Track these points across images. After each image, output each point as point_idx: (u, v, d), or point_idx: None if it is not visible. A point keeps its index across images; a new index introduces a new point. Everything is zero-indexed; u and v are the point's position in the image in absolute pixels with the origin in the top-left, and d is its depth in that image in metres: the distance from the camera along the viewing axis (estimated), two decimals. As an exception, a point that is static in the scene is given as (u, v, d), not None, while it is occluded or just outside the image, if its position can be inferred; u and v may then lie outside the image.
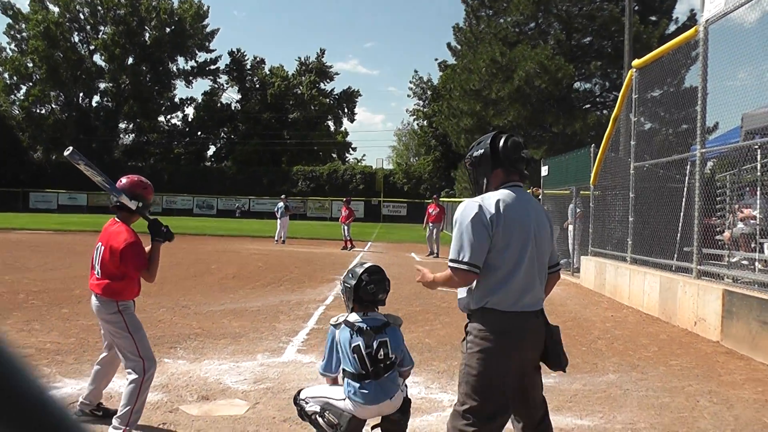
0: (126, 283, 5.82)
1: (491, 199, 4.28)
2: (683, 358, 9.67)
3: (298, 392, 5.49)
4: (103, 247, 5.83)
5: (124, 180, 5.99)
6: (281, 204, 33.97)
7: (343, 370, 5.11)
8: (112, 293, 5.78)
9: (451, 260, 4.24)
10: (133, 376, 5.71)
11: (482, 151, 4.47)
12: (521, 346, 4.25)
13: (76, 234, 34.16)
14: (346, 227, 30.75)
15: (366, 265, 5.32)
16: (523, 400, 4.39)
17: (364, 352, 5.00)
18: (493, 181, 4.45)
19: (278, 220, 33.96)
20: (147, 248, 5.97)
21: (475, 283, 4.26)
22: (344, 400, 5.06)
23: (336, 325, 5.19)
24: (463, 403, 4.24)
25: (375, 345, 5.05)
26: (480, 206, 4.23)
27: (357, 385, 4.99)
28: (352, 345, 5.02)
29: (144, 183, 6.04)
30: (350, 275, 5.25)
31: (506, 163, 4.43)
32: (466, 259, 4.17)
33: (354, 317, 5.15)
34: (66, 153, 5.52)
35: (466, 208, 4.28)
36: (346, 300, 5.30)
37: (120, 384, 6.40)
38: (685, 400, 7.41)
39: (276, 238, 33.64)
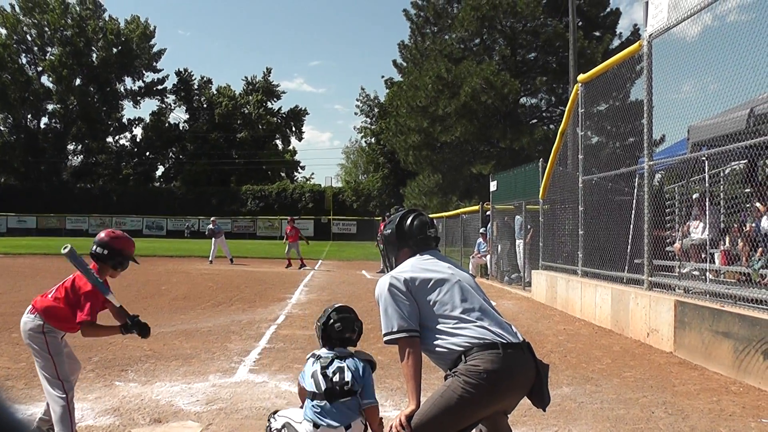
0: (69, 316, 5.79)
1: (400, 269, 4.53)
2: (637, 369, 9.72)
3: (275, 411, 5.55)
4: (70, 278, 5.89)
5: (103, 234, 6.10)
6: (211, 226, 33.94)
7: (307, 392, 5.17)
8: (49, 316, 5.76)
9: (385, 335, 4.34)
10: (58, 400, 5.67)
11: (389, 231, 4.82)
12: (509, 387, 4.23)
13: (25, 257, 33.73)
14: (293, 246, 30.59)
15: (336, 305, 5.50)
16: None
17: (319, 374, 5.08)
18: (401, 260, 4.71)
19: (212, 241, 33.47)
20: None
21: (441, 339, 4.24)
22: (301, 422, 5.08)
23: (308, 359, 5.36)
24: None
25: (331, 368, 5.11)
26: (392, 276, 4.44)
27: (311, 403, 5.04)
28: (312, 371, 5.12)
29: (124, 239, 6.17)
30: (322, 314, 5.45)
31: (412, 243, 4.73)
32: (395, 328, 4.28)
33: (322, 351, 5.29)
34: (64, 251, 5.77)
35: (378, 286, 4.48)
36: (317, 338, 5.46)
37: (80, 407, 6.29)
38: (640, 412, 7.44)
39: (210, 259, 32.77)
